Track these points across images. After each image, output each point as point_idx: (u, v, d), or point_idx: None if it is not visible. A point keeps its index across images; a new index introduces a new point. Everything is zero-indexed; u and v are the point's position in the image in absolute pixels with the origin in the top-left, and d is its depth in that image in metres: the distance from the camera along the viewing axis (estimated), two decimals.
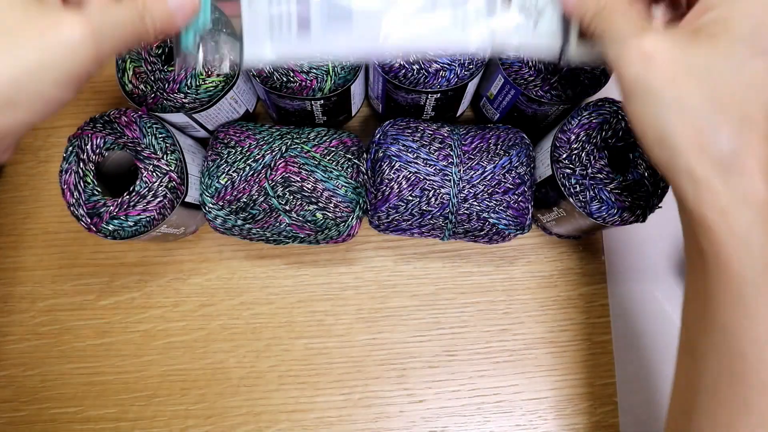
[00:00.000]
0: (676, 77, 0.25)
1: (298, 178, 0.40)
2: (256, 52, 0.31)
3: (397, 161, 0.40)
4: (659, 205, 0.39)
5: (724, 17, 0.25)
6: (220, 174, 0.41)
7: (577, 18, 0.32)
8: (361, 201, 0.41)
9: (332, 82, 0.39)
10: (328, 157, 0.41)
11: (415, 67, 0.39)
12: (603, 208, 0.39)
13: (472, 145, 0.41)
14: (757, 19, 0.25)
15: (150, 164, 0.39)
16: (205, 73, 0.40)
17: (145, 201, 0.38)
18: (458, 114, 0.48)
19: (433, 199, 0.40)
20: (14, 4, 0.25)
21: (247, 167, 0.40)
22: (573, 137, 0.40)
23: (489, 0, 0.32)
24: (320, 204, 0.40)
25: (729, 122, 0.25)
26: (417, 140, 0.41)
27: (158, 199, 0.39)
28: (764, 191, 0.25)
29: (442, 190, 0.40)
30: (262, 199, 0.40)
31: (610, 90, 0.39)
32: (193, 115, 0.42)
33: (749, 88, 0.25)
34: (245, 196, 0.40)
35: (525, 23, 0.32)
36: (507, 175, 0.41)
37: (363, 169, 0.42)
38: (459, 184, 0.40)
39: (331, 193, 0.40)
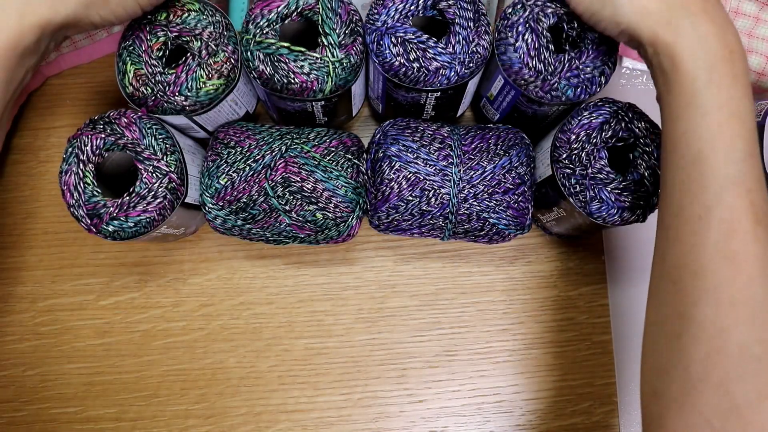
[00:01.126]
0: None
1: (298, 179, 0.40)
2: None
3: (397, 161, 0.40)
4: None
5: None
6: (220, 174, 0.41)
7: None
8: (361, 201, 0.41)
9: (333, 83, 0.39)
10: (328, 158, 0.41)
11: (416, 65, 0.39)
12: (603, 208, 0.39)
13: (472, 145, 0.41)
14: None
15: (150, 165, 0.39)
16: None
17: (145, 202, 0.38)
18: (458, 114, 0.48)
19: (433, 199, 0.40)
20: None
21: (247, 167, 0.40)
22: (573, 137, 0.40)
23: None
24: (320, 204, 0.40)
25: None
26: (417, 140, 0.41)
27: (158, 200, 0.39)
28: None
29: (442, 190, 0.40)
30: (262, 199, 0.40)
31: (610, 90, 0.39)
32: (194, 117, 0.42)
33: None
34: (245, 196, 0.40)
35: None
36: (507, 175, 0.41)
37: (363, 169, 0.42)
38: (459, 184, 0.40)
39: (331, 194, 0.40)
